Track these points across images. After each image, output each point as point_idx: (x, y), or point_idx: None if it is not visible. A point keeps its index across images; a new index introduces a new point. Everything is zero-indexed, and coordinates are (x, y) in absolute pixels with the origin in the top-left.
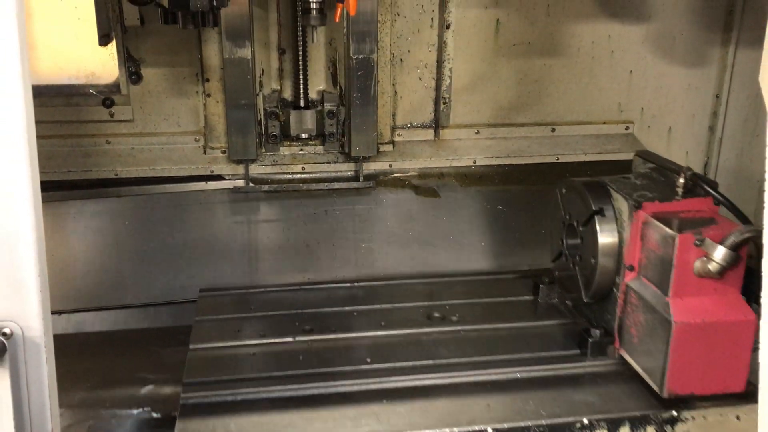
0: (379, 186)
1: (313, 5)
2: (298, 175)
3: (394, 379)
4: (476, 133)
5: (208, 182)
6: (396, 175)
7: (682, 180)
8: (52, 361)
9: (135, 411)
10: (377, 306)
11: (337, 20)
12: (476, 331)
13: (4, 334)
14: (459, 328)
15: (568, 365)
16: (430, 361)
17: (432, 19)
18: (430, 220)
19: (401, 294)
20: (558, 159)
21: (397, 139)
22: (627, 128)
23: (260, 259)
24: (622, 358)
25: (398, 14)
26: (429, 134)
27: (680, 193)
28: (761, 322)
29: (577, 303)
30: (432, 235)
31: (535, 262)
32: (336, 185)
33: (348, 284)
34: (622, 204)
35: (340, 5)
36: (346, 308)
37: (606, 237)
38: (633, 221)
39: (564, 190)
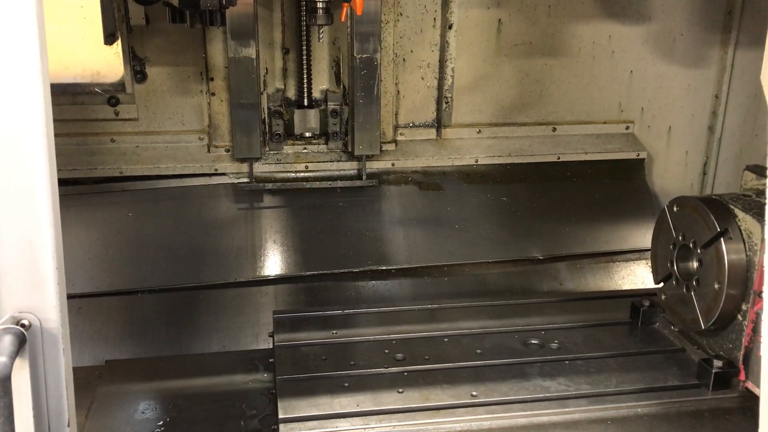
0: (382, 183)
1: (320, 5)
2: (302, 174)
3: (506, 415)
4: (478, 133)
5: (212, 177)
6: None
7: None
8: (68, 352)
9: None
10: (467, 330)
11: (343, 20)
12: (582, 359)
13: (23, 326)
14: (562, 356)
15: (690, 399)
16: (541, 395)
17: (434, 19)
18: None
19: (489, 316)
20: (559, 158)
21: (399, 138)
22: (627, 128)
23: (263, 252)
24: (748, 391)
25: (401, 14)
26: (431, 133)
27: None
28: (763, 318)
29: (688, 329)
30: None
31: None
32: (339, 184)
33: (429, 306)
34: (751, 225)
35: (346, 5)
36: (435, 333)
37: (734, 260)
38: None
39: (676, 208)
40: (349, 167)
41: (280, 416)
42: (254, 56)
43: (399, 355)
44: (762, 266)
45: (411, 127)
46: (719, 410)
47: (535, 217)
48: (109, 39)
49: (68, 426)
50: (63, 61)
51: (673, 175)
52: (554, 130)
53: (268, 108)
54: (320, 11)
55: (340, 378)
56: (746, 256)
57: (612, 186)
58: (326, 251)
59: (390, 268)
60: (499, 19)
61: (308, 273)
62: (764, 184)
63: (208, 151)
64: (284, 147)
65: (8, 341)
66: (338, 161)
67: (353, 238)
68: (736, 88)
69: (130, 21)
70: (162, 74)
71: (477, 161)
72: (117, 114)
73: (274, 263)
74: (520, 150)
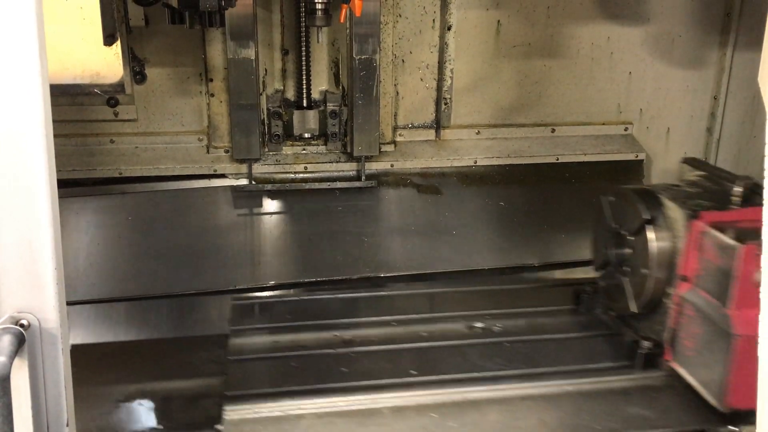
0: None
1: (319, 6)
2: (301, 175)
3: (443, 391)
4: (477, 134)
5: (211, 179)
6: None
7: (739, 189)
8: (67, 353)
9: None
10: (416, 315)
11: (342, 21)
12: (521, 342)
13: (23, 326)
14: (502, 339)
15: (618, 377)
16: (477, 374)
17: (433, 20)
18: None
19: (439, 303)
20: (558, 159)
21: (398, 139)
22: (626, 129)
23: (263, 255)
24: (673, 370)
25: (400, 15)
26: (430, 134)
27: (737, 202)
28: (761, 317)
29: (623, 313)
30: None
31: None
32: (338, 185)
33: (385, 293)
34: (676, 213)
35: (345, 6)
36: (384, 317)
37: (659, 247)
38: (689, 231)
39: (611, 199)
40: (348, 168)
41: (226, 393)
42: (253, 57)
43: (347, 337)
44: (687, 252)
45: (410, 128)
46: (645, 388)
47: (533, 220)
48: (108, 40)
49: (67, 426)
50: (62, 62)
51: (671, 177)
52: (553, 131)
53: (268, 109)
54: (319, 12)
55: (287, 358)
56: (672, 242)
57: (611, 187)
58: (324, 255)
59: (388, 275)
60: (498, 21)
61: (306, 280)
62: (697, 175)
63: (208, 151)
64: (283, 148)
65: (7, 341)
66: (337, 162)
67: (351, 240)
68: (735, 90)
69: (130, 22)
70: (161, 75)
71: (476, 162)
72: (116, 115)
73: (272, 269)
74: (519, 151)
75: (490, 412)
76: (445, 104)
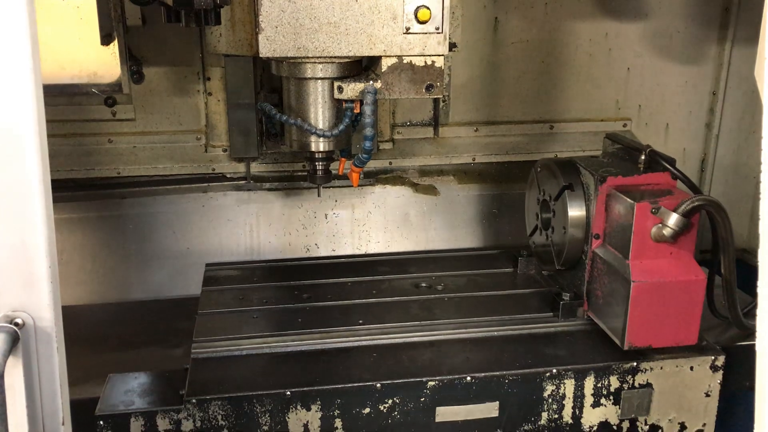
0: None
1: (319, 166)
2: (299, 173)
3: (384, 337)
4: (475, 131)
5: (210, 183)
6: (396, 173)
7: (642, 157)
8: (62, 351)
9: None
10: (370, 277)
11: (340, 173)
12: (459, 298)
13: (17, 324)
14: (443, 295)
15: (541, 325)
16: (416, 323)
17: None
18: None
19: (392, 267)
20: (556, 156)
21: (396, 136)
22: (625, 125)
23: (262, 254)
24: (590, 318)
25: None
26: (428, 132)
27: (641, 169)
28: (758, 312)
29: (552, 272)
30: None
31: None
32: (336, 183)
33: (344, 259)
34: (589, 179)
35: (344, 159)
36: (342, 279)
37: (575, 209)
38: (598, 194)
39: (539, 169)
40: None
41: (194, 337)
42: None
43: (305, 295)
44: (597, 212)
45: (408, 125)
46: (565, 333)
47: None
48: (105, 39)
49: (63, 425)
50: (60, 62)
51: None
52: (551, 128)
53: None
54: (320, 172)
55: (250, 311)
56: (586, 205)
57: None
58: (323, 251)
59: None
60: (496, 17)
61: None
62: (615, 148)
63: (206, 150)
64: (281, 146)
65: (1, 340)
66: (336, 160)
67: (350, 238)
68: (734, 85)
69: (127, 21)
70: (159, 74)
71: (474, 159)
72: (114, 114)
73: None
74: (517, 148)
75: (423, 352)
76: (443, 101)
